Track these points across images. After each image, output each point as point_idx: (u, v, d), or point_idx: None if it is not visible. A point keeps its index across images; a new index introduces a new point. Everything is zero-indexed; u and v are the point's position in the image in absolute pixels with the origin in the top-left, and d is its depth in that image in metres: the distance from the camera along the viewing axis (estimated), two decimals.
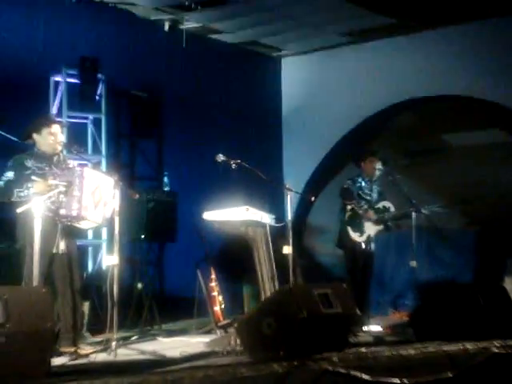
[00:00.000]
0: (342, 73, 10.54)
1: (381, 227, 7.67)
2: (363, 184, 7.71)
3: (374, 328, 7.14)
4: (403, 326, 6.98)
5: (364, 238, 7.58)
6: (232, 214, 6.36)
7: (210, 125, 9.72)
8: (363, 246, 7.56)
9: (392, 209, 7.70)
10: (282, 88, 11.05)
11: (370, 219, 7.58)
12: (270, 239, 6.50)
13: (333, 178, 10.42)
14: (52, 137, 5.85)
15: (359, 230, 7.60)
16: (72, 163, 5.97)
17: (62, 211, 5.56)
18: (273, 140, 10.79)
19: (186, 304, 7.42)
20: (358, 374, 4.70)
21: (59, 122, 6.18)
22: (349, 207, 7.61)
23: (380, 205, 7.69)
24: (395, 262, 9.68)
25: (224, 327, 6.95)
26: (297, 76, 10.96)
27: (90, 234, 8.16)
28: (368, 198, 7.70)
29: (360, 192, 7.69)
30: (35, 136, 5.88)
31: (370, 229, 7.62)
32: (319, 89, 10.68)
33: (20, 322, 4.21)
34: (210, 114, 9.77)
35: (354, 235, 7.58)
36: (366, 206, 7.58)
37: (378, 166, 7.67)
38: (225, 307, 7.19)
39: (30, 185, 5.58)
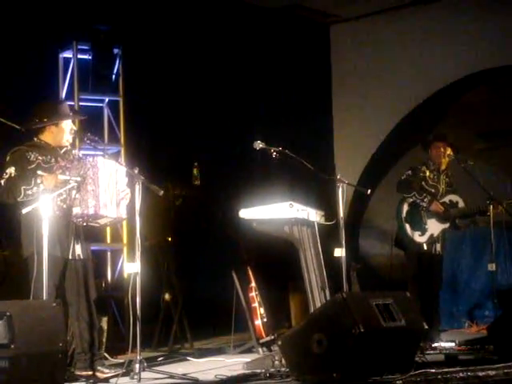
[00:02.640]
0: (401, 41, 10.46)
1: (446, 225, 7.54)
2: (427, 174, 7.61)
3: (446, 344, 7.08)
4: (481, 341, 6.91)
5: (426, 237, 7.47)
6: (274, 211, 6.35)
7: (247, 107, 9.70)
8: (425, 247, 7.46)
9: (461, 204, 7.57)
10: (331, 60, 10.99)
11: (437, 213, 7.46)
12: (318, 240, 6.48)
13: (393, 166, 10.35)
14: (70, 128, 5.87)
15: (420, 228, 7.50)
16: (77, 153, 6.01)
17: (77, 210, 5.59)
18: (321, 123, 10.74)
19: (221, 318, 7.45)
20: None
21: (73, 116, 6.12)
22: (409, 200, 7.53)
23: (446, 199, 7.58)
24: (471, 266, 9.57)
25: (267, 345, 6.98)
26: (348, 46, 10.89)
27: (109, 238, 8.21)
28: (433, 190, 7.59)
29: (423, 183, 7.59)
30: (51, 128, 5.85)
31: (434, 227, 7.51)
32: (374, 61, 10.61)
33: (26, 342, 4.26)
34: (247, 93, 9.75)
35: (414, 234, 7.49)
36: (428, 198, 7.47)
37: (447, 152, 7.57)
38: (267, 321, 7.21)
39: (39, 181, 5.58)
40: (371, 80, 10.59)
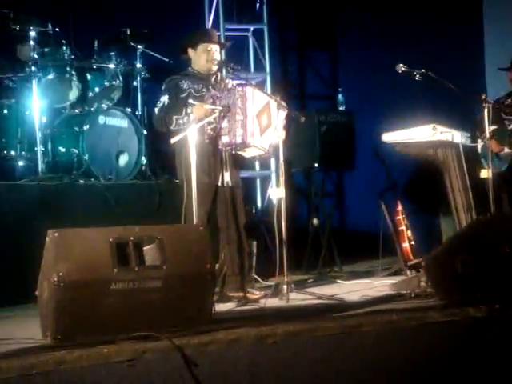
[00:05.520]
0: None
1: None
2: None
3: None
4: None
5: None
6: (416, 133, 6.32)
7: (391, 27, 9.49)
8: None
9: None
10: None
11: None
12: (464, 162, 6.41)
13: None
14: (208, 54, 5.99)
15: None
16: (231, 83, 6.13)
17: (225, 138, 5.75)
18: (471, 38, 10.34)
19: (369, 241, 7.49)
20: None
21: (220, 44, 6.26)
22: None
23: None
24: None
25: (415, 267, 6.97)
26: None
27: (257, 165, 8.40)
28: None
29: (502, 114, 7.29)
30: (190, 52, 6.06)
31: None
32: None
33: (177, 264, 4.44)
34: (391, 14, 9.54)
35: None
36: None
37: None
38: (415, 244, 7.21)
39: (189, 110, 5.75)
40: None
